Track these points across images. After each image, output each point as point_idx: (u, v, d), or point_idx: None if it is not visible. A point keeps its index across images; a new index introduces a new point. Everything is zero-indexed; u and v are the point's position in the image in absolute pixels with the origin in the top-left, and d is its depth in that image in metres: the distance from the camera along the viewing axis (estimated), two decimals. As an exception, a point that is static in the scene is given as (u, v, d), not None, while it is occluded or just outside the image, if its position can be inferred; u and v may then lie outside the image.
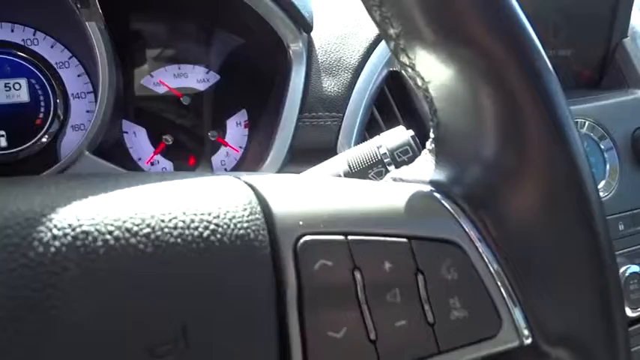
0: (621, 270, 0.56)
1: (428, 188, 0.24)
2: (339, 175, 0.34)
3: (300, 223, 0.21)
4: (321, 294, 0.20)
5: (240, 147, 0.59)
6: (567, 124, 0.23)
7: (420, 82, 0.24)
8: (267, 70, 0.55)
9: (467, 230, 0.22)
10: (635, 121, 0.63)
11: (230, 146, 0.58)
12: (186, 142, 0.58)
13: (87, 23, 0.46)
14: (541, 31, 0.65)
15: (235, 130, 0.59)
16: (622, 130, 0.62)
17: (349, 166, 0.34)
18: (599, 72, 0.69)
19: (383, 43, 0.56)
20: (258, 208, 0.21)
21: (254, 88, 0.58)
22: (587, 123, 0.60)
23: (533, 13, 0.62)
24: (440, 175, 0.24)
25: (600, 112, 0.61)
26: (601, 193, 0.59)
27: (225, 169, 0.58)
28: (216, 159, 0.58)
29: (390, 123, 0.54)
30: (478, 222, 0.22)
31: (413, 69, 0.24)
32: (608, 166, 0.60)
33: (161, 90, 0.57)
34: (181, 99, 0.57)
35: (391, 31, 0.24)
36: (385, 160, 0.34)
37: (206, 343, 0.18)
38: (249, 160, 0.57)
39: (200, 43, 0.58)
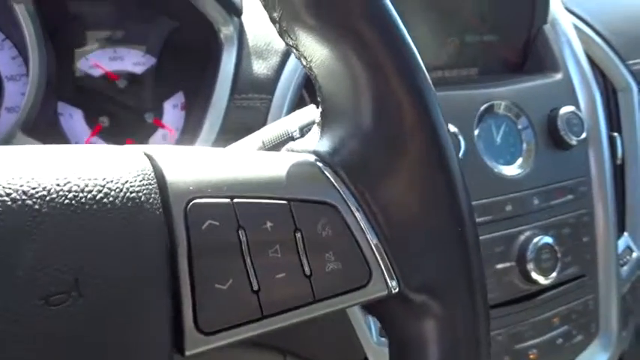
0: (535, 240, 0.61)
1: (312, 157, 0.26)
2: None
3: (190, 188, 0.23)
4: (209, 250, 0.23)
5: (177, 129, 0.61)
6: (429, 99, 0.26)
7: (304, 62, 0.27)
8: (201, 53, 0.57)
9: (342, 193, 0.25)
10: (552, 102, 0.67)
11: (167, 128, 0.60)
12: (123, 124, 0.59)
13: (15, 5, 0.47)
14: (468, 18, 0.69)
15: (172, 112, 0.61)
16: (539, 110, 0.66)
17: (263, 143, 0.37)
18: (523, 57, 0.74)
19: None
20: (152, 175, 0.23)
21: (190, 71, 0.59)
22: (504, 104, 0.64)
23: (461, 1, 0.66)
24: (324, 146, 0.27)
25: (519, 94, 0.66)
26: (517, 170, 0.63)
27: (163, 150, 0.60)
28: (153, 141, 0.60)
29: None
30: (353, 187, 0.25)
31: (297, 49, 0.27)
32: (524, 145, 0.65)
33: (97, 73, 0.58)
34: (117, 82, 0.59)
35: (274, 14, 0.26)
36: (295, 137, 0.36)
37: (99, 294, 0.21)
38: (185, 142, 0.59)
39: (136, 26, 0.60)
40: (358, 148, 0.25)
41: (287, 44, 0.27)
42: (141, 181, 0.23)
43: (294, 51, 0.27)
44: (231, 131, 0.52)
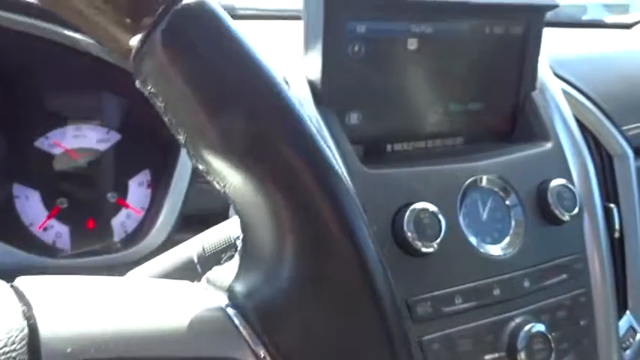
0: (526, 328, 0.56)
1: (223, 300, 0.23)
2: (193, 259, 0.33)
3: (68, 350, 0.20)
4: None
5: (143, 208, 0.57)
6: (362, 241, 0.22)
7: (218, 186, 0.24)
8: (165, 129, 0.54)
9: (251, 345, 0.21)
10: (542, 174, 0.63)
11: (131, 208, 0.57)
12: (84, 205, 0.56)
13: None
14: (452, 86, 0.66)
15: (137, 190, 0.58)
16: (528, 183, 0.62)
17: (203, 249, 0.34)
18: (511, 125, 0.70)
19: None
20: (21, 335, 0.19)
21: (157, 148, 0.57)
22: (490, 178, 0.60)
23: (441, 67, 0.63)
24: (240, 285, 0.23)
25: (506, 166, 0.62)
26: (505, 250, 0.59)
27: (126, 232, 0.57)
28: (116, 221, 0.57)
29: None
30: (264, 337, 0.22)
31: (208, 174, 0.23)
32: (513, 222, 0.61)
33: (57, 151, 0.56)
34: (79, 160, 0.56)
35: (179, 138, 0.23)
36: (238, 245, 0.33)
37: None
38: (150, 223, 0.56)
39: (99, 103, 0.57)
40: (274, 295, 0.22)
41: (198, 167, 0.24)
42: (10, 345, 0.19)
43: (205, 175, 0.24)
44: (193, 217, 0.49)
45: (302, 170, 0.22)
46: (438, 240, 0.53)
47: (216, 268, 0.26)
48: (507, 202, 0.61)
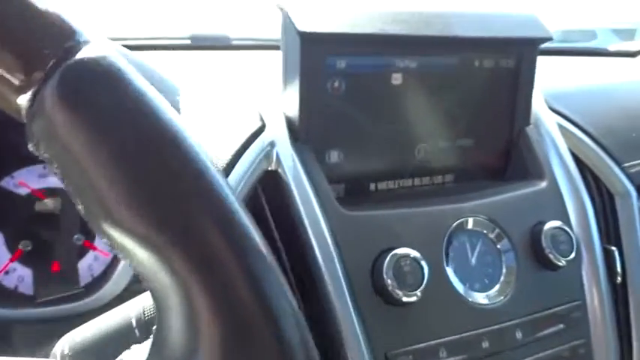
0: (519, 384, 0.52)
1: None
2: (132, 322, 0.30)
3: None
4: None
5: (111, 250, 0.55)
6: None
7: (125, 262, 0.21)
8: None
9: None
10: (536, 215, 0.60)
11: (99, 250, 0.54)
12: (49, 247, 0.53)
13: None
14: (439, 121, 0.63)
15: (106, 231, 0.55)
16: (520, 225, 0.59)
17: (144, 311, 0.30)
18: (504, 161, 0.67)
19: (257, 142, 0.53)
20: None
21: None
22: (479, 220, 0.57)
23: (428, 102, 0.60)
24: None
25: (496, 207, 0.59)
26: (496, 298, 0.55)
27: (93, 276, 0.54)
28: (83, 264, 0.54)
29: (262, 230, 0.51)
30: None
31: (112, 248, 0.21)
32: (504, 268, 0.57)
33: (23, 192, 0.53)
34: (45, 201, 0.54)
35: (79, 207, 0.20)
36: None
37: None
38: (114, 267, 0.53)
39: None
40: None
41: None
42: None
43: (111, 249, 0.21)
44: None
45: (220, 250, 0.19)
46: (421, 288, 0.50)
47: (134, 348, 0.23)
48: (498, 246, 0.57)
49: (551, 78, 0.77)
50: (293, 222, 0.50)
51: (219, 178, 0.21)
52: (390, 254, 0.50)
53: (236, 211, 0.21)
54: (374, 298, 0.50)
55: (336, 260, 0.49)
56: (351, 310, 0.48)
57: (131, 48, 0.53)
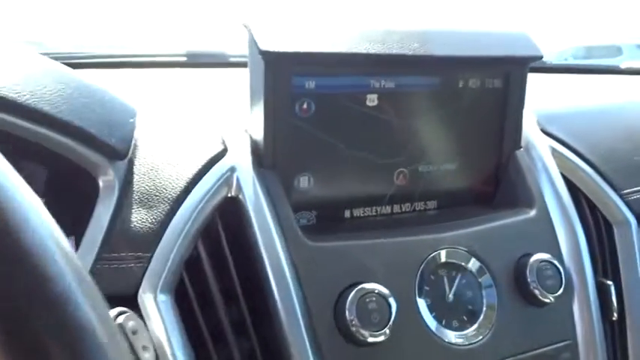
0: None
1: None
2: None
3: None
4: None
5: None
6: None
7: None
8: (84, 199, 0.49)
9: None
10: (522, 246, 0.56)
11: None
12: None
13: None
14: (420, 145, 0.59)
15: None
16: (504, 258, 0.54)
17: None
18: (492, 187, 0.63)
19: (217, 167, 0.50)
20: None
21: (79, 217, 0.51)
22: (459, 252, 0.53)
23: (408, 125, 0.57)
24: None
25: (479, 237, 0.55)
26: (474, 338, 0.51)
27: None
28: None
29: (217, 260, 0.48)
30: None
31: None
32: (485, 304, 0.53)
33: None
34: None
35: None
36: None
37: None
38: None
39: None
40: None
41: None
42: None
43: None
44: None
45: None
46: (388, 327, 0.46)
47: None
48: (480, 280, 0.53)
49: (544, 98, 0.73)
50: (250, 253, 0.47)
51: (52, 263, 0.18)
52: (355, 290, 0.46)
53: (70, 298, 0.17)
54: (336, 337, 0.46)
55: (294, 296, 0.46)
56: (309, 351, 0.45)
57: (91, 65, 0.51)
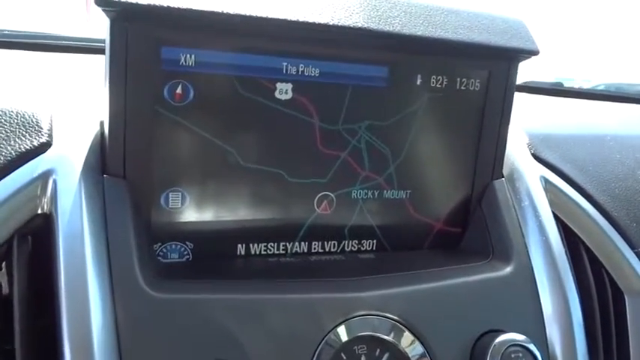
0: None
1: None
2: None
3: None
4: None
5: None
6: None
7: None
8: None
9: None
10: (484, 319, 0.38)
11: None
12: None
13: None
14: (353, 161, 0.43)
15: None
16: (456, 335, 0.37)
17: None
18: (459, 228, 0.46)
19: (29, 166, 0.34)
20: None
21: None
22: (382, 323, 0.36)
23: (335, 133, 0.40)
24: None
25: (422, 302, 0.37)
26: None
27: None
28: None
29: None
30: None
31: None
32: (417, 402, 0.35)
33: None
34: None
35: None
36: None
37: None
38: None
39: None
40: None
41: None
42: None
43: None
44: None
45: None
46: None
47: None
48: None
49: (540, 119, 0.56)
50: (51, 302, 0.31)
51: None
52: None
53: None
54: None
55: None
56: None
57: None
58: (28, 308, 0.32)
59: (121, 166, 0.35)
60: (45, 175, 0.33)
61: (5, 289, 0.34)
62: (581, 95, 0.91)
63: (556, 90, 1.00)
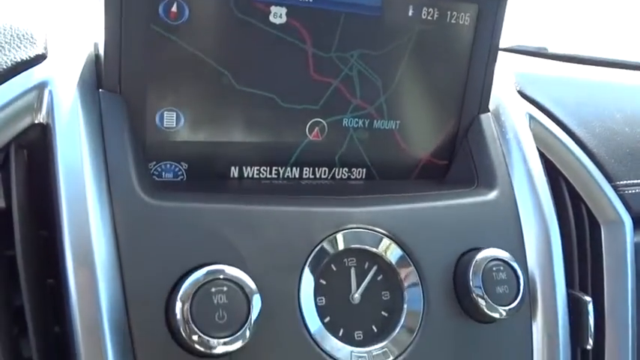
0: None
1: None
2: None
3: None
4: None
5: None
6: None
7: None
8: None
9: None
10: (468, 237, 0.40)
11: None
12: None
13: None
14: (346, 90, 0.44)
15: None
16: (441, 250, 0.39)
17: None
18: (446, 159, 0.47)
19: (23, 76, 0.34)
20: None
21: None
22: (372, 236, 0.37)
23: (329, 60, 0.41)
24: None
25: (410, 219, 0.39)
26: (383, 357, 0.35)
27: None
28: None
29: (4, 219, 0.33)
30: None
31: None
32: (404, 311, 0.37)
33: None
34: None
35: None
36: None
37: None
38: None
39: None
40: None
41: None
42: None
43: None
44: None
45: None
46: (245, 332, 0.31)
47: None
48: (402, 278, 0.38)
49: (528, 58, 0.58)
50: (51, 214, 0.32)
51: None
52: (196, 276, 0.31)
53: None
54: (172, 348, 0.31)
55: (101, 288, 0.30)
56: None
57: None
58: (28, 218, 0.33)
59: (117, 82, 0.36)
60: (41, 86, 0.34)
61: (1, 203, 0.35)
62: (568, 59, 0.93)
63: (542, 53, 1.01)
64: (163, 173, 0.40)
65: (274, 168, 0.42)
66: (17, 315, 0.32)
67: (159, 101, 0.38)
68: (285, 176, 0.43)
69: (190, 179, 0.40)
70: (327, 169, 0.44)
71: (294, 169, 0.43)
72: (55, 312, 0.33)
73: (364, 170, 0.45)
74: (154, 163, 0.39)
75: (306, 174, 0.43)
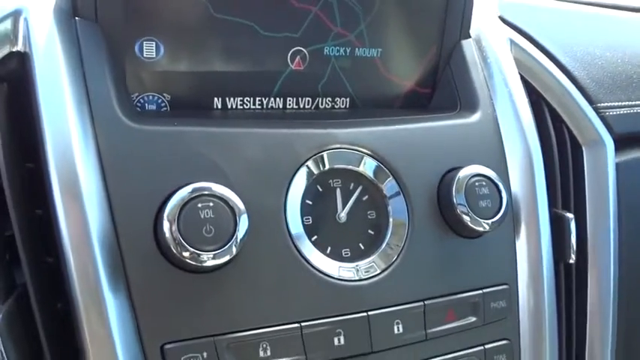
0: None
1: None
2: None
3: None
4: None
5: None
6: None
7: None
8: None
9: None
10: (452, 156, 0.41)
11: None
12: None
13: None
14: (326, 17, 0.43)
15: None
16: (425, 169, 0.40)
17: None
18: (429, 86, 0.48)
19: None
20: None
21: None
22: (355, 154, 0.38)
23: None
24: None
25: (394, 140, 0.39)
26: (368, 272, 0.36)
27: None
28: None
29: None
30: None
31: None
32: (390, 227, 0.38)
33: None
34: None
35: None
36: None
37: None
38: None
39: None
40: None
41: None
42: None
43: None
44: None
45: None
46: (231, 246, 0.31)
47: None
48: (387, 197, 0.39)
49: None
50: (34, 142, 0.32)
51: None
52: (182, 193, 0.31)
53: None
54: (160, 261, 0.32)
55: (89, 212, 0.31)
56: (102, 282, 0.30)
57: None
58: (13, 151, 0.33)
59: (93, 10, 0.36)
60: (15, 14, 0.34)
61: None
62: None
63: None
64: (146, 105, 0.40)
65: (258, 98, 0.43)
66: (9, 245, 0.33)
67: (137, 30, 0.38)
68: (269, 107, 0.43)
69: (174, 110, 0.40)
70: (310, 99, 0.44)
71: (277, 99, 0.43)
72: (46, 242, 0.34)
73: (347, 99, 0.46)
74: (137, 94, 0.39)
75: (289, 104, 0.44)
